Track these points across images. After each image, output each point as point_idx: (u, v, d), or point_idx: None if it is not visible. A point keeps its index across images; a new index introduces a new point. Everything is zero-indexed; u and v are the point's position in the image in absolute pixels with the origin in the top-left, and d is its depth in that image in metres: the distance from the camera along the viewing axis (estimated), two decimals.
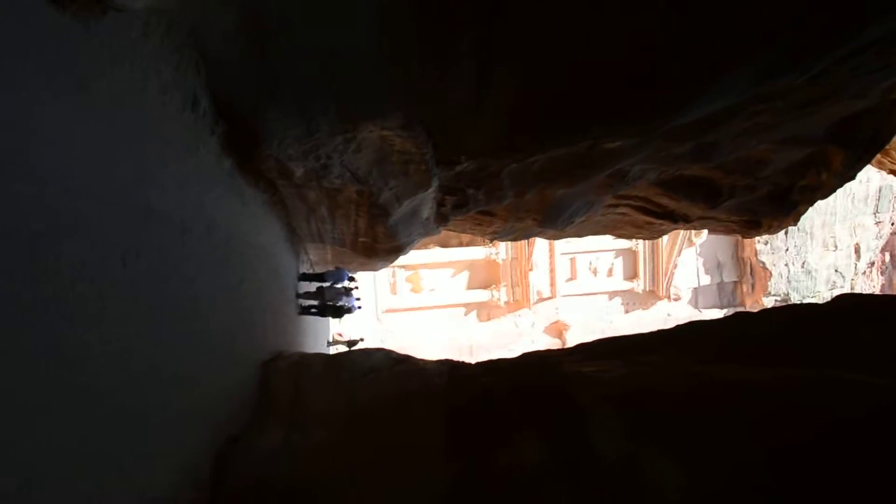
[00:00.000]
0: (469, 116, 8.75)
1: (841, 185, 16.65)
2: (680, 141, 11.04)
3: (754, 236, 18.98)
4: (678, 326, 11.06)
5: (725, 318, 10.99)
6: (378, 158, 10.21)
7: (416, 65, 7.78)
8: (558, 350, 12.59)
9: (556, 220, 16.69)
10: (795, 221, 18.29)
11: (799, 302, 43.75)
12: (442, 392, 10.26)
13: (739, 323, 10.47)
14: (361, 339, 29.33)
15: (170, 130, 6.89)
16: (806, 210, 18.05)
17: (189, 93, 7.22)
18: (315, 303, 23.10)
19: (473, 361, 12.99)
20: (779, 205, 16.81)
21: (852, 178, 16.27)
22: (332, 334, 30.54)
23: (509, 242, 41.04)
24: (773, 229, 18.06)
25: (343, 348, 30.40)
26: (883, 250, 46.27)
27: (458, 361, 12.50)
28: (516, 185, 13.26)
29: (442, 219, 15.47)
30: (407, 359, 12.02)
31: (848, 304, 9.63)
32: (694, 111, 8.32)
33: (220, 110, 8.16)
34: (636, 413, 7.11)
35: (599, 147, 10.89)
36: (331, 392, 10.32)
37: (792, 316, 9.56)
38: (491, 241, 18.77)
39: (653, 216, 18.19)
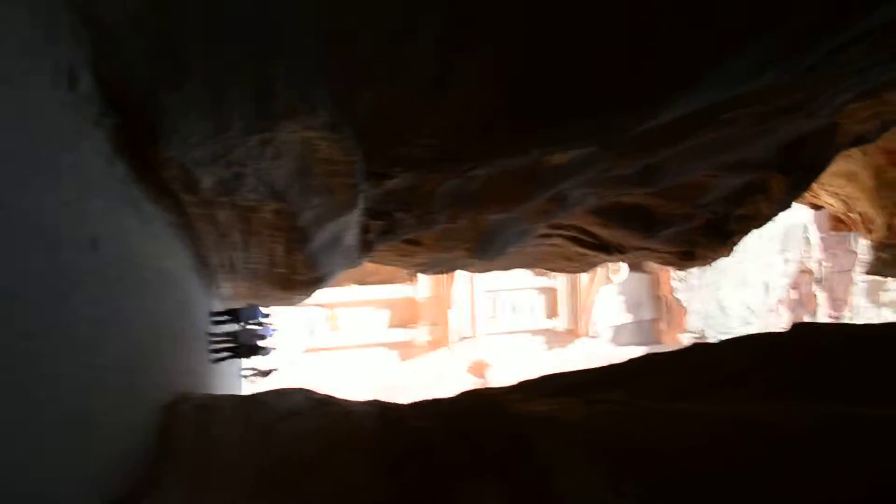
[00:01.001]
0: (420, 106, 7.40)
1: (776, 214, 16.06)
2: (633, 156, 9.98)
3: (688, 267, 18.24)
4: (630, 361, 10.08)
5: (681, 351, 10.03)
6: (299, 169, 8.78)
7: (366, 36, 6.37)
8: (499, 388, 11.28)
9: (488, 249, 15.49)
10: (729, 252, 17.64)
11: (716, 340, 43.63)
12: (374, 439, 8.80)
13: (699, 355, 9.44)
14: (275, 370, 27.57)
15: (36, 110, 5.32)
16: (740, 240, 17.41)
17: (63, 64, 5.67)
18: (228, 346, 21.53)
19: (400, 402, 11.60)
20: (715, 234, 16.08)
21: (788, 205, 15.70)
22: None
23: (430, 280, 39.76)
24: (707, 260, 17.33)
25: (257, 379, 28.52)
26: (791, 287, 46.84)
27: (387, 402, 11.06)
28: (450, 206, 12.01)
29: (366, 247, 14.06)
30: (330, 399, 10.48)
31: (808, 334, 8.64)
32: (680, 103, 7.24)
33: (109, 96, 6.59)
34: (616, 462, 5.83)
35: (547, 162, 9.78)
36: (243, 440, 8.70)
37: (757, 346, 8.53)
38: (414, 274, 17.31)
39: (586, 247, 17.20)
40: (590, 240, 16.69)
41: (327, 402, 10.30)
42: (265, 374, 26.91)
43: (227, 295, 20.08)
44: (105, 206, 7.30)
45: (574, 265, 19.25)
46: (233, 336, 21.64)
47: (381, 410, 10.06)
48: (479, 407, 9.40)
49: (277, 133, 7.52)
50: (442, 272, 18.78)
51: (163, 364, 10.48)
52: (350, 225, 12.41)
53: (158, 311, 10.33)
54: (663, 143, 9.85)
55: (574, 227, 16.28)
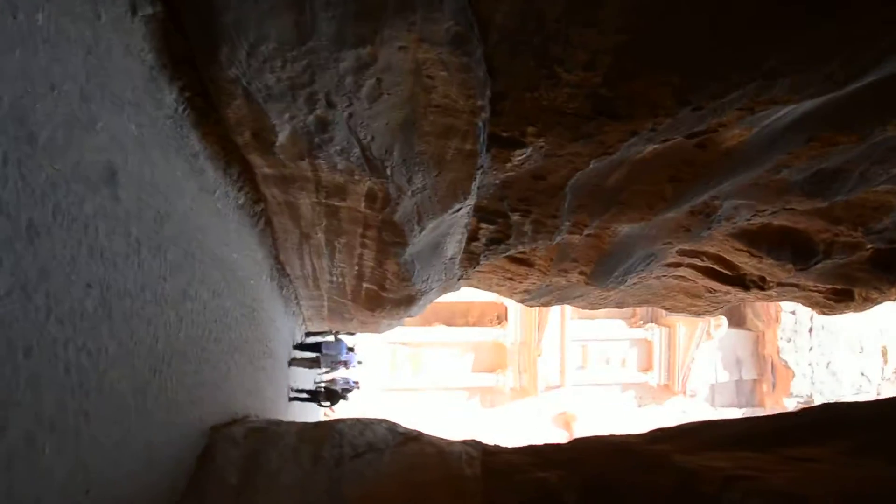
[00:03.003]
0: (576, 13, 4.91)
1: None
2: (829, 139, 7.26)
3: (841, 311, 15.09)
4: (804, 410, 7.58)
5: (882, 402, 7.50)
6: (404, 121, 6.46)
7: None
8: (634, 435, 8.63)
9: (608, 275, 12.87)
10: None
11: None
12: (476, 490, 6.29)
13: None
14: (355, 385, 22.07)
15: None
16: None
17: None
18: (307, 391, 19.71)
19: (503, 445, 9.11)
20: (884, 269, 13.00)
21: None
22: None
23: (519, 325, 37.07)
24: (868, 303, 14.19)
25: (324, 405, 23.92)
26: None
27: (490, 445, 8.54)
28: (578, 209, 9.52)
29: (471, 260, 11.65)
30: (419, 435, 8.01)
31: None
32: None
33: None
34: None
35: (718, 141, 7.24)
36: (305, 478, 6.32)
37: None
38: (521, 302, 14.74)
39: (719, 281, 14.33)
40: (726, 272, 13.83)
41: (416, 437, 7.84)
42: (334, 396, 21.47)
43: (307, 314, 17.90)
44: (140, 139, 5.11)
45: (698, 305, 16.35)
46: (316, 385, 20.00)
47: (482, 453, 7.54)
48: (619, 456, 6.83)
49: (381, 48, 5.20)
50: (546, 304, 16.17)
51: (216, 376, 8.25)
52: (455, 228, 10.05)
53: (217, 309, 8.15)
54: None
55: (709, 256, 13.48)
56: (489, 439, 28.21)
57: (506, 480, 6.34)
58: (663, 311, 38.37)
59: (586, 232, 10.50)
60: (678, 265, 14.09)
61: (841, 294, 14.06)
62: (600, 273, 12.68)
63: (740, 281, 14.13)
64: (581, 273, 12.85)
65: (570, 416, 38.51)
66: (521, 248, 11.24)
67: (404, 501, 5.85)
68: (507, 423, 38.14)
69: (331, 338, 24.76)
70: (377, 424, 7.95)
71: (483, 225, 10.17)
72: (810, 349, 38.44)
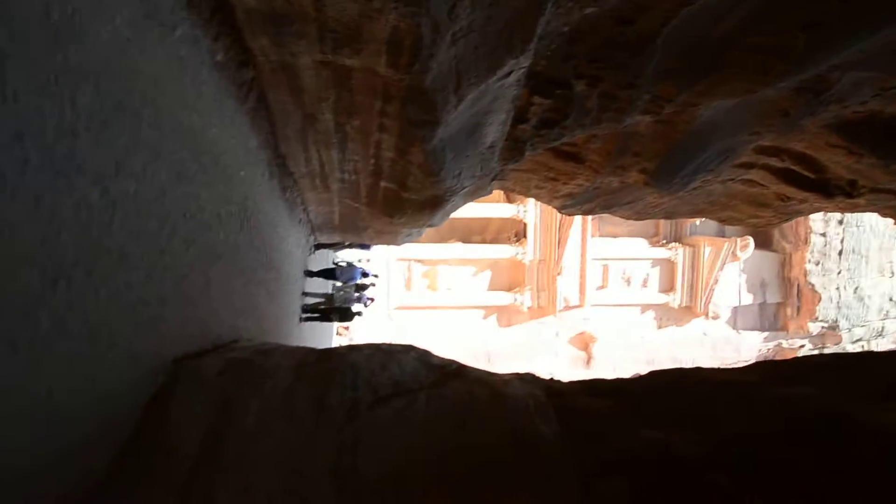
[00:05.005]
0: None
1: None
2: None
3: None
4: None
5: None
6: None
7: None
8: (738, 371, 6.38)
9: (674, 173, 10.43)
10: None
11: (848, 330, 37.35)
12: (566, 462, 4.05)
13: None
14: (369, 301, 20.47)
15: None
16: None
17: None
18: (319, 306, 17.94)
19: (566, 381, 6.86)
20: None
21: None
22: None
23: (539, 243, 34.72)
24: None
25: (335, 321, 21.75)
26: None
27: (552, 381, 6.29)
28: (666, 74, 7.05)
29: (514, 150, 9.21)
30: (462, 369, 5.72)
31: None
32: None
33: None
34: None
35: None
36: (297, 442, 4.04)
37: None
38: (559, 209, 12.28)
39: (798, 185, 11.83)
40: (808, 175, 11.32)
41: (458, 372, 5.55)
42: (347, 314, 19.20)
43: (316, 222, 15.51)
44: None
45: (761, 216, 13.89)
46: (326, 298, 17.99)
47: (550, 395, 5.26)
48: (760, 409, 4.60)
49: None
50: (588, 212, 13.73)
51: (187, 289, 5.95)
52: (500, 102, 7.61)
53: (183, 199, 5.82)
54: None
55: (791, 155, 10.95)
56: (506, 360, 26.29)
57: (603, 445, 4.08)
58: (687, 230, 35.99)
59: (666, 111, 8.01)
60: (751, 166, 11.59)
61: None
62: (666, 170, 10.23)
63: (823, 186, 11.64)
64: (642, 171, 10.40)
65: (590, 336, 36.59)
66: (577, 134, 8.78)
67: (460, 490, 3.61)
68: (523, 343, 36.27)
69: (344, 254, 22.71)
70: (403, 353, 5.67)
71: (536, 99, 7.68)
72: (839, 273, 36.16)
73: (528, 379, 5.77)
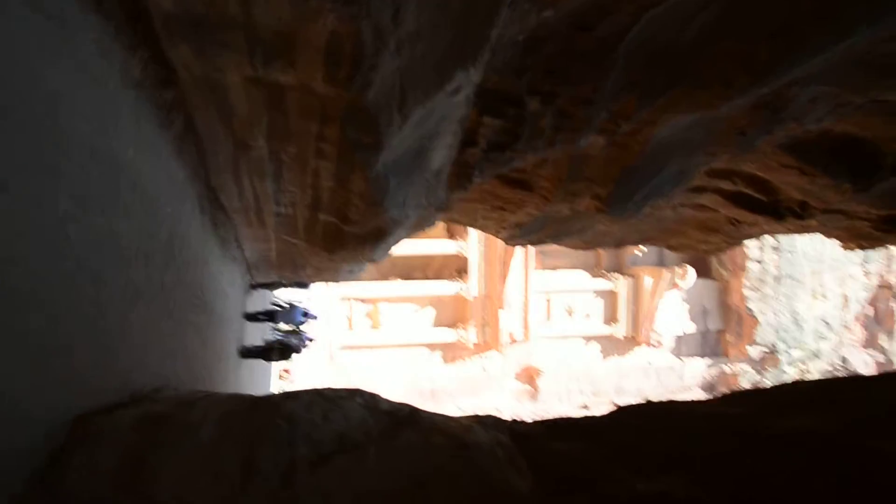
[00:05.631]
0: None
1: None
2: None
3: (878, 245, 12.53)
4: None
5: None
6: None
7: None
8: (718, 403, 5.84)
9: (628, 198, 10.00)
10: None
11: (786, 353, 37.73)
12: None
13: None
14: (309, 341, 19.05)
15: None
16: None
17: None
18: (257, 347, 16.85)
19: (531, 421, 6.22)
20: None
21: None
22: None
23: (481, 278, 34.22)
24: None
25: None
26: (869, 304, 40.69)
27: (515, 422, 5.67)
28: (628, 88, 6.60)
29: (461, 176, 8.62)
30: (415, 415, 5.00)
31: None
32: None
33: None
34: None
35: None
36: None
37: None
38: (506, 240, 11.71)
39: (748, 209, 11.53)
40: (760, 197, 11.03)
41: (411, 419, 4.83)
42: (287, 350, 18.15)
43: (251, 260, 14.63)
44: None
45: (711, 241, 13.58)
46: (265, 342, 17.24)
47: (515, 439, 4.60)
48: (769, 449, 4.02)
49: None
50: (536, 242, 13.22)
51: (100, 333, 5.13)
52: (447, 123, 7.02)
53: (97, 232, 5.04)
54: None
55: (742, 177, 10.63)
56: (452, 396, 25.52)
57: (593, 498, 3.43)
58: (628, 261, 36.01)
59: (622, 130, 7.55)
60: (702, 190, 11.26)
61: (893, 223, 11.44)
62: (619, 195, 9.78)
63: (774, 208, 11.39)
64: (594, 197, 9.93)
65: (535, 370, 36.12)
66: (528, 158, 8.26)
67: None
68: (470, 379, 35.56)
69: (282, 294, 21.76)
70: (348, 399, 4.93)
71: (486, 119, 7.13)
72: (775, 298, 36.58)
73: (490, 423, 5.10)
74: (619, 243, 14.43)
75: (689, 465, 4.06)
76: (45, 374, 4.11)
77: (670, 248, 14.84)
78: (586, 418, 6.05)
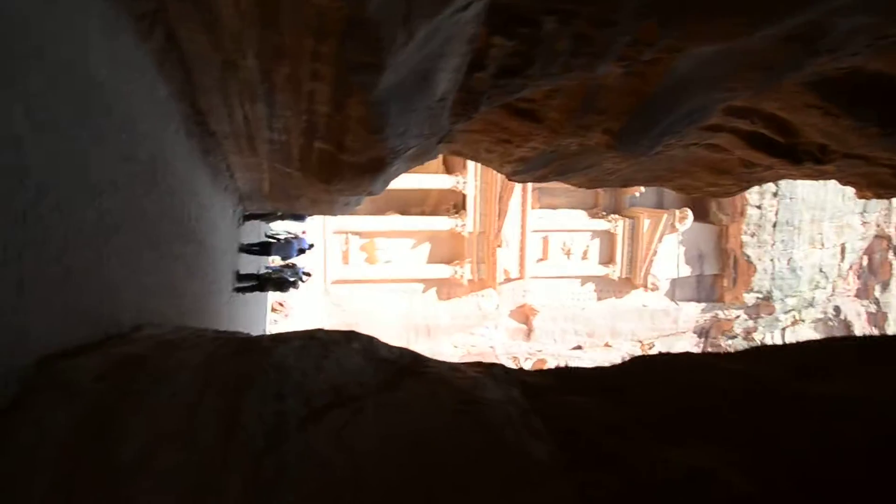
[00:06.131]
0: None
1: None
2: None
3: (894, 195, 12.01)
4: None
5: None
6: None
7: None
8: (733, 357, 5.41)
9: (641, 134, 9.41)
10: None
11: (781, 301, 37.58)
12: (570, 493, 2.93)
13: None
14: (305, 276, 18.97)
15: None
16: None
17: None
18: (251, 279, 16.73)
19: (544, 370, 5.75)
20: None
21: None
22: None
23: (478, 215, 33.66)
24: None
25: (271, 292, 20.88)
26: (864, 253, 40.40)
27: (526, 373, 5.20)
28: (651, 8, 5.95)
29: (467, 104, 8.00)
30: (417, 363, 4.52)
31: None
32: None
33: None
34: None
35: None
36: (193, 485, 2.77)
37: None
38: (509, 175, 11.05)
39: (764, 151, 10.93)
40: (777, 138, 10.42)
41: (413, 368, 4.36)
42: (284, 284, 18.11)
43: (244, 190, 14.04)
44: None
45: (720, 184, 13.01)
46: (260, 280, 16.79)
47: (527, 396, 4.14)
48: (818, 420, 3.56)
49: None
50: (541, 178, 12.59)
51: (72, 267, 4.61)
52: (454, 42, 6.38)
53: (90, 169, 4.49)
54: None
55: (762, 116, 10.00)
56: (446, 333, 25.25)
57: (624, 474, 2.96)
58: (626, 202, 35.45)
59: (644, 57, 6.91)
60: (718, 129, 10.63)
61: None
62: (633, 131, 9.19)
63: (792, 151, 10.80)
64: (606, 131, 9.33)
65: (530, 308, 35.90)
66: (541, 86, 7.64)
67: None
68: (463, 316, 35.36)
69: (277, 225, 21.19)
70: (344, 345, 4.44)
71: (497, 40, 6.47)
72: (773, 244, 36.16)
73: (500, 375, 4.62)
74: (625, 183, 13.85)
75: (724, 433, 3.61)
76: (2, 314, 3.60)
77: (678, 189, 14.27)
78: (599, 369, 5.60)
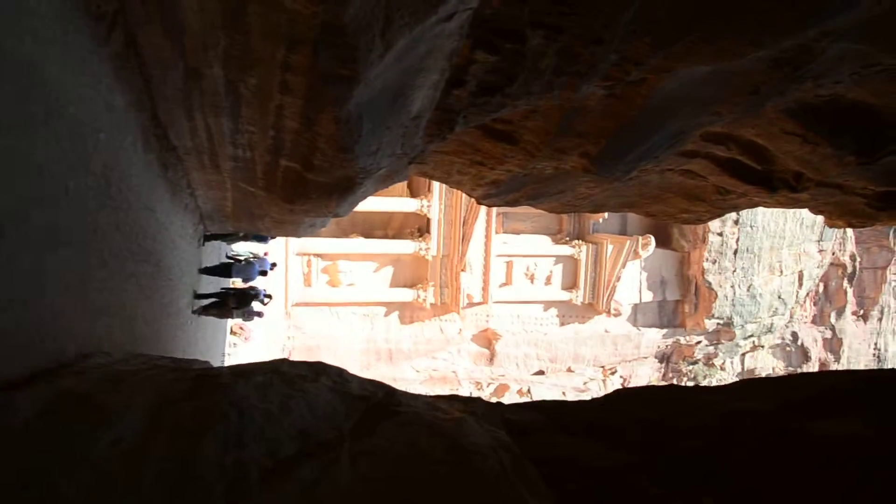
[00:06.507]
0: None
1: None
2: None
3: (870, 224, 11.93)
4: None
5: None
6: None
7: None
8: (720, 390, 5.10)
9: (619, 158, 9.16)
10: None
11: (741, 326, 37.80)
12: None
13: None
14: (266, 298, 17.67)
15: None
16: None
17: None
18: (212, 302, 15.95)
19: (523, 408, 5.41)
20: None
21: None
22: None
23: (442, 239, 33.28)
24: None
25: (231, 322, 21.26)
26: (820, 280, 40.96)
27: (503, 408, 4.83)
28: (646, 27, 5.66)
29: (442, 124, 7.62)
30: (391, 399, 4.08)
31: None
32: None
33: None
34: None
35: None
36: None
37: None
38: (480, 199, 10.69)
39: (739, 178, 10.75)
40: (754, 165, 10.22)
41: (387, 407, 3.92)
42: (245, 298, 16.93)
43: (205, 209, 13.47)
44: None
45: (693, 211, 12.81)
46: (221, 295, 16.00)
47: (513, 437, 3.73)
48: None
49: None
50: (512, 203, 12.25)
51: (25, 287, 4.11)
52: (434, 57, 6.01)
53: (33, 175, 3.99)
54: None
55: (739, 143, 9.77)
56: (408, 357, 24.83)
57: None
58: (590, 227, 35.41)
59: (630, 77, 6.61)
60: (694, 155, 10.41)
61: (889, 200, 10.80)
62: (611, 154, 8.90)
63: (767, 179, 10.64)
64: (583, 154, 9.02)
65: (493, 333, 35.53)
66: (520, 105, 7.28)
67: None
68: (426, 341, 34.83)
69: (239, 247, 20.52)
70: (312, 381, 3.99)
71: (479, 54, 6.11)
72: (734, 271, 36.42)
73: (481, 412, 4.21)
74: (597, 208, 13.58)
75: (736, 479, 3.25)
76: None
77: (649, 215, 14.05)
78: (582, 403, 5.21)
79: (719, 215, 13.05)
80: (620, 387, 34.62)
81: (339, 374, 4.42)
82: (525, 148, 9.04)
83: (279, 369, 4.05)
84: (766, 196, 11.20)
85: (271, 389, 3.54)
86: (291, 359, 5.19)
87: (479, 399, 4.99)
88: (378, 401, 4.00)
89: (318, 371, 4.27)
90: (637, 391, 5.59)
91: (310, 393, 3.68)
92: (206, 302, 15.51)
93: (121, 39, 6.19)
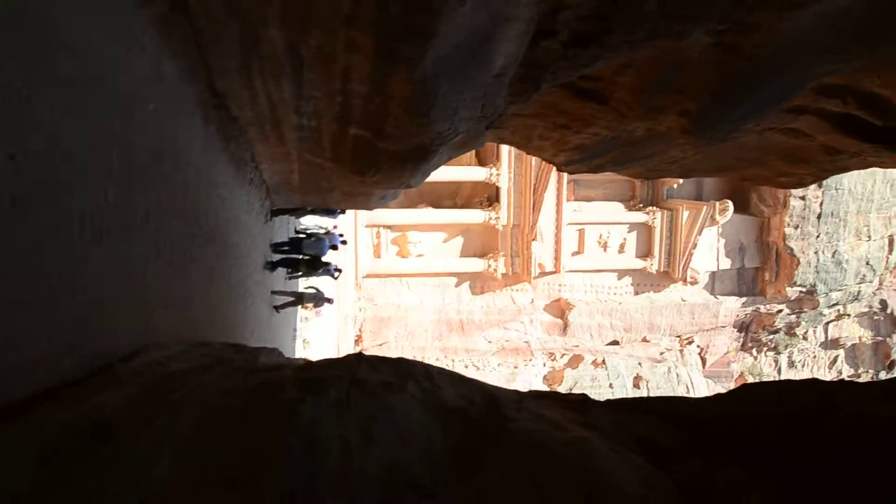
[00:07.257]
0: None
1: None
2: None
3: None
4: None
5: None
6: None
7: None
8: (858, 388, 4.15)
9: (723, 116, 8.08)
10: None
11: (825, 294, 35.82)
12: None
13: None
14: (336, 272, 18.17)
15: None
16: None
17: None
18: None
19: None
20: None
21: None
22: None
23: (513, 208, 32.30)
24: None
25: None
26: None
27: (636, 419, 3.96)
28: None
29: (528, 82, 6.74)
30: (496, 418, 3.28)
31: None
32: None
33: None
34: None
35: None
36: None
37: None
38: (561, 165, 9.70)
39: (854, 135, 9.51)
40: (873, 120, 9.02)
41: (492, 428, 3.12)
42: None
43: (271, 183, 12.88)
44: None
45: (794, 174, 11.59)
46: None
47: (667, 472, 2.90)
48: None
49: None
50: (596, 168, 11.23)
51: (59, 282, 3.48)
52: (519, 4, 5.11)
53: (74, 154, 3.32)
54: None
55: (859, 95, 8.62)
56: (480, 328, 24.41)
57: None
58: (664, 193, 33.89)
59: (750, 20, 5.61)
60: (802, 111, 9.21)
61: None
62: (714, 112, 7.86)
63: (890, 134, 9.36)
64: (682, 113, 8.01)
65: (566, 303, 34.56)
66: (616, 58, 6.35)
67: None
68: (498, 311, 34.10)
69: (307, 220, 20.21)
70: (397, 392, 3.24)
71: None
72: (817, 236, 34.40)
73: (607, 429, 3.39)
74: (685, 173, 12.46)
75: None
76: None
77: (744, 179, 12.87)
78: (715, 403, 4.39)
79: (824, 178, 11.77)
80: (743, 382, 33.22)
81: (428, 377, 3.67)
82: (616, 108, 8.08)
83: (357, 377, 3.31)
84: (884, 154, 9.92)
85: (349, 411, 2.81)
86: (367, 353, 4.47)
87: (586, 399, 4.21)
88: (478, 414, 3.23)
89: (404, 375, 3.52)
90: (772, 392, 4.73)
91: (397, 410, 2.94)
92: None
93: (166, 0, 5.50)
